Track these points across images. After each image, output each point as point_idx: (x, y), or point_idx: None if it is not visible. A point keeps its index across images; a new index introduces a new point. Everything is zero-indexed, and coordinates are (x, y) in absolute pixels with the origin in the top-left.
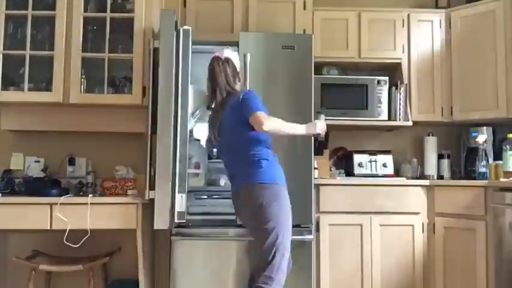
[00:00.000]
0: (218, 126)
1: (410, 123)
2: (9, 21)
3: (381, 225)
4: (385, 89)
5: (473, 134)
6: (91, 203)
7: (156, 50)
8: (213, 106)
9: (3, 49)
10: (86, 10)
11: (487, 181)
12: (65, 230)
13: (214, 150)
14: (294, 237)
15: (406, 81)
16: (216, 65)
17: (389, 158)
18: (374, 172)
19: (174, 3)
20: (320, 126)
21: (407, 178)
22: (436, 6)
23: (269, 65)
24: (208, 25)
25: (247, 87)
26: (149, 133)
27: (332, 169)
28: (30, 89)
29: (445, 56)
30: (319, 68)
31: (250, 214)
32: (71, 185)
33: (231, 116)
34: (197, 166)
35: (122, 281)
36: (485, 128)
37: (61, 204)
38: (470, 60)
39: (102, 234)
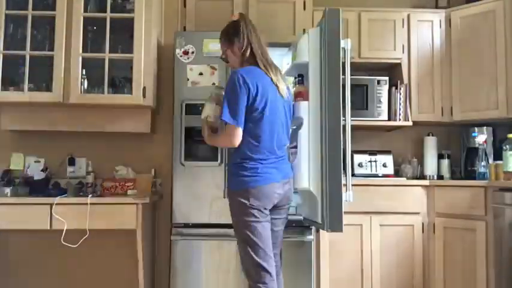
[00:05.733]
0: None
1: (410, 123)
2: (9, 21)
3: (380, 225)
4: (385, 89)
5: (473, 134)
6: (91, 203)
7: None
8: None
9: (3, 49)
10: (86, 10)
11: (487, 181)
12: (66, 230)
13: None
14: (294, 237)
15: (406, 81)
16: None
17: (389, 158)
18: (374, 172)
19: (174, 3)
20: (206, 110)
21: (407, 178)
22: (436, 6)
23: None
24: (208, 25)
25: None
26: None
27: None
28: (30, 89)
29: (445, 56)
30: None
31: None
32: (71, 185)
33: None
34: None
35: None
36: (485, 128)
37: (61, 204)
38: (470, 60)
39: (103, 234)
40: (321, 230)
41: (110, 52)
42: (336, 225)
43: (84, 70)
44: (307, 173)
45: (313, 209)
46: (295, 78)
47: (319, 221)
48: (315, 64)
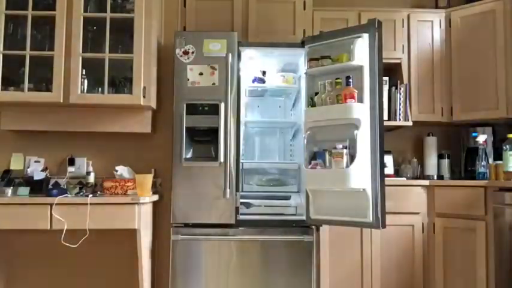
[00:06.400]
0: None
1: (410, 123)
2: (9, 21)
3: None
4: (385, 89)
5: (473, 134)
6: (91, 203)
7: None
8: None
9: (3, 49)
10: (86, 10)
11: (487, 181)
12: (66, 231)
13: None
14: (294, 237)
15: (406, 81)
16: None
17: (389, 158)
18: None
19: (174, 3)
20: None
21: (407, 178)
22: (436, 6)
23: None
24: (208, 25)
25: None
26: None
27: None
28: (30, 89)
29: (445, 56)
30: None
31: None
32: (71, 185)
33: None
34: None
35: None
36: (485, 128)
37: (61, 204)
38: (470, 60)
39: (102, 234)
40: (321, 230)
41: (110, 52)
42: (384, 223)
43: (84, 70)
44: (361, 174)
45: (356, 210)
46: (336, 79)
47: (370, 220)
48: (370, 68)
